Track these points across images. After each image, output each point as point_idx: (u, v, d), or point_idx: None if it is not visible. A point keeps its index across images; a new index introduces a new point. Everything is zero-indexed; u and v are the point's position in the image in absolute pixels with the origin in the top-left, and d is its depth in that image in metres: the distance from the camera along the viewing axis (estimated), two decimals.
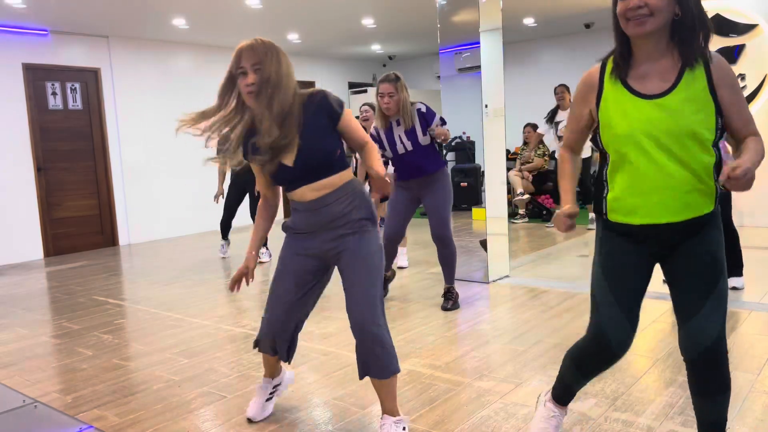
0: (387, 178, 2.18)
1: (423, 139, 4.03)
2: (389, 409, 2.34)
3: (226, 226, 6.47)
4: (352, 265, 2.26)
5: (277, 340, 2.45)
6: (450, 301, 4.20)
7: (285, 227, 2.43)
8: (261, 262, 6.18)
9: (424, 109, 4.04)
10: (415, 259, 5.97)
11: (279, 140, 2.17)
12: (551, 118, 7.38)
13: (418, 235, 7.49)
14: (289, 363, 2.62)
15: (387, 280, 4.59)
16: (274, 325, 2.42)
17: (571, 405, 2.61)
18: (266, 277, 5.59)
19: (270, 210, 2.50)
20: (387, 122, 4.10)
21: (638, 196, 1.78)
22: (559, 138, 7.24)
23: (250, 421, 2.60)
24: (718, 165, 1.75)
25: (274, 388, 2.68)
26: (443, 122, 4.09)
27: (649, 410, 2.53)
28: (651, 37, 1.72)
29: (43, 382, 3.23)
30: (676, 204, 1.74)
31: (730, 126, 1.75)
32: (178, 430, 2.58)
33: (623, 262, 1.89)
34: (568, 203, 1.91)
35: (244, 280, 2.40)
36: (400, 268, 5.60)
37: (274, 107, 2.14)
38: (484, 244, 4.97)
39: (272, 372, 2.65)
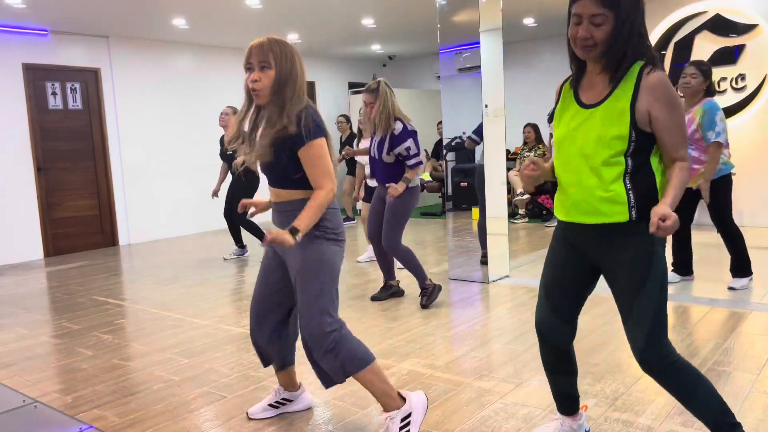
0: (283, 239, 2.13)
1: (386, 157, 4.13)
2: (383, 405, 2.39)
3: (232, 230, 6.45)
4: (293, 274, 2.32)
5: (257, 335, 2.52)
6: (425, 297, 4.24)
7: None
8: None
9: (397, 131, 4.07)
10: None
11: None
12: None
13: (417, 234, 7.49)
14: (266, 366, 2.63)
15: (389, 288, 4.55)
16: (252, 315, 2.52)
17: None
18: None
19: None
20: (373, 128, 4.23)
21: (562, 194, 1.96)
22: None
23: (248, 417, 2.65)
24: (633, 173, 1.82)
25: (283, 399, 2.68)
26: (409, 154, 4.05)
27: (649, 410, 2.53)
28: (597, 58, 1.85)
29: (43, 382, 3.23)
30: (587, 207, 1.87)
31: (660, 145, 1.82)
32: (178, 430, 2.58)
33: (558, 261, 2.03)
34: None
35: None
36: (399, 268, 5.60)
37: (287, 108, 2.20)
38: (484, 259, 5.00)
39: (283, 382, 2.67)
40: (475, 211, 5.21)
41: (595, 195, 1.84)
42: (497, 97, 4.93)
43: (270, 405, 2.67)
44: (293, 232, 2.16)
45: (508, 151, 9.12)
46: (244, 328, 4.01)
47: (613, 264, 1.89)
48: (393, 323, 3.92)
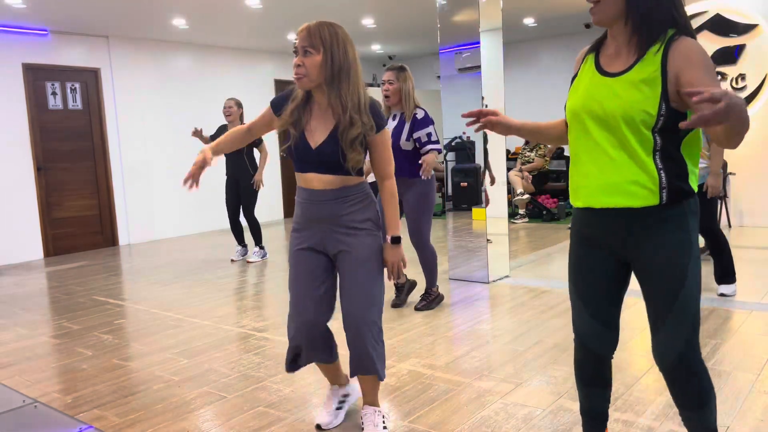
0: (401, 261, 2.31)
1: (405, 144, 3.97)
2: (371, 401, 2.44)
3: (235, 230, 6.41)
4: (351, 266, 2.27)
5: (315, 342, 2.37)
6: (423, 301, 4.20)
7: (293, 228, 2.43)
8: (249, 262, 6.20)
9: (420, 116, 3.96)
10: (415, 259, 5.96)
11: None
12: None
13: None
14: (306, 363, 2.45)
15: (406, 287, 4.43)
16: (305, 326, 2.33)
17: (571, 405, 2.61)
18: (263, 277, 5.59)
19: (245, 134, 2.43)
20: (386, 112, 4.08)
21: (581, 176, 1.75)
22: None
23: (319, 427, 2.51)
24: (663, 153, 1.64)
25: (343, 397, 2.62)
26: (429, 140, 3.92)
27: (649, 410, 2.53)
28: (614, 22, 1.71)
29: (43, 382, 3.23)
30: (611, 188, 1.67)
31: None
32: (178, 430, 2.58)
33: (585, 265, 1.83)
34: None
35: (198, 175, 2.28)
36: None
37: (342, 97, 2.15)
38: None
39: (334, 379, 2.59)
40: (476, 211, 5.20)
41: (621, 173, 1.66)
42: (497, 97, 4.93)
43: (337, 408, 2.58)
44: (397, 241, 2.29)
45: (508, 151, 9.12)
46: (244, 328, 4.01)
47: (644, 258, 1.70)
48: (393, 323, 3.92)
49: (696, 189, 1.71)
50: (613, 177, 1.67)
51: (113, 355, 3.60)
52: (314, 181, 2.26)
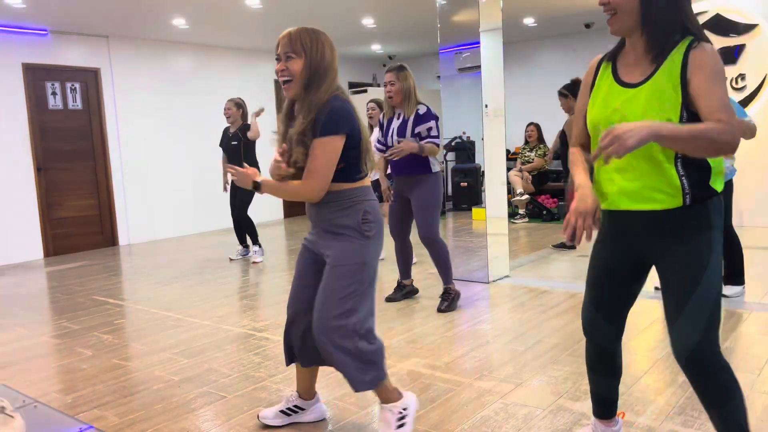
0: (245, 180, 2.22)
1: (410, 140, 4.02)
2: (381, 399, 2.36)
3: (239, 230, 6.41)
4: (327, 270, 2.25)
5: (290, 332, 2.39)
6: (445, 302, 4.18)
7: None
8: (254, 262, 6.18)
9: (421, 112, 4.02)
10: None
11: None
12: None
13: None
14: (288, 363, 2.48)
15: (402, 288, 4.49)
16: (288, 312, 2.41)
17: (570, 405, 2.61)
18: (264, 277, 5.59)
19: None
20: (391, 112, 4.16)
21: (606, 181, 1.81)
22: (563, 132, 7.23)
23: (258, 418, 2.56)
24: (685, 159, 1.68)
25: (295, 407, 2.55)
26: (429, 134, 3.98)
27: (649, 410, 2.53)
28: (631, 32, 1.74)
29: (43, 382, 3.23)
30: (633, 194, 1.74)
31: (699, 113, 1.64)
32: (178, 430, 2.58)
33: (602, 257, 1.91)
34: (584, 188, 1.80)
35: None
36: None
37: (313, 101, 2.15)
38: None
39: (301, 387, 2.53)
40: (476, 211, 5.20)
41: (643, 180, 1.71)
42: (497, 97, 4.93)
43: (282, 411, 2.54)
44: (256, 186, 2.21)
45: (508, 151, 9.12)
46: (244, 328, 4.01)
47: (666, 255, 1.74)
48: (393, 323, 3.92)
49: (721, 188, 1.74)
50: (636, 184, 1.73)
51: (113, 355, 3.60)
52: None
